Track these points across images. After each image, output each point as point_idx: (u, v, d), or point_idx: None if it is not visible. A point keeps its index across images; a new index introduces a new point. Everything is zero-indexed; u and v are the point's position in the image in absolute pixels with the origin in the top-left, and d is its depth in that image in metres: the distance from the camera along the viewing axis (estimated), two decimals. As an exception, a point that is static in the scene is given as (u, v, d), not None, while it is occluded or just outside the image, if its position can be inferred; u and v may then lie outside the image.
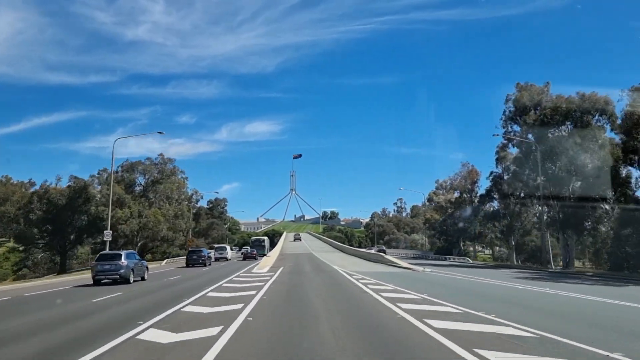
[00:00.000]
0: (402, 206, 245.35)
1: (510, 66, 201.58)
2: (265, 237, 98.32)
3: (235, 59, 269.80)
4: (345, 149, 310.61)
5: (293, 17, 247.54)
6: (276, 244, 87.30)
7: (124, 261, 21.96)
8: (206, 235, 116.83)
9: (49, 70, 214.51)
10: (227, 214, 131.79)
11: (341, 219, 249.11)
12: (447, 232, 76.40)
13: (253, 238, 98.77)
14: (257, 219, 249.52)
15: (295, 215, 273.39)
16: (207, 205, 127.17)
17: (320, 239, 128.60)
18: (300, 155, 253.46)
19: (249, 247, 75.27)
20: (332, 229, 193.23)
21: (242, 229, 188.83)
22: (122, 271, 21.68)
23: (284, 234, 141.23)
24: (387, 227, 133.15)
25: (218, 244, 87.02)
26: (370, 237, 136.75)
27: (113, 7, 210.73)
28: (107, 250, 29.86)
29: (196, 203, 77.08)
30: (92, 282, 22.20)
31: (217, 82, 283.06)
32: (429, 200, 76.87)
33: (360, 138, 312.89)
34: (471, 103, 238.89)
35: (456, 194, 75.02)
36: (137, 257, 25.45)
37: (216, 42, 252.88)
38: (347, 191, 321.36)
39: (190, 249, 49.51)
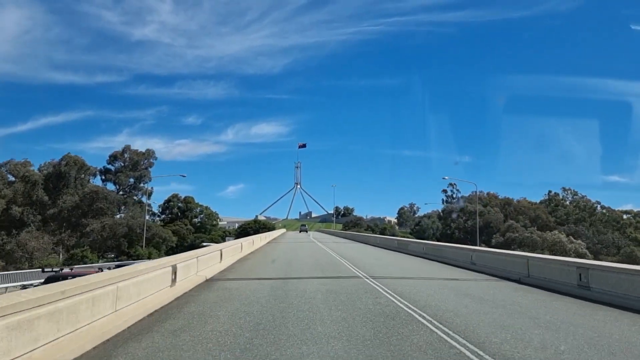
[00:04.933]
0: (453, 195, 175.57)
1: (514, 69, 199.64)
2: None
3: (242, 59, 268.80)
4: (352, 150, 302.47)
5: (300, 18, 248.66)
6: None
7: None
8: (76, 226, 47.48)
9: (56, 69, 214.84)
10: (147, 187, 62.00)
11: (357, 217, 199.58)
12: None
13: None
14: (256, 216, 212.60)
15: (300, 213, 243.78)
16: (108, 162, 59.01)
17: (357, 239, 58.38)
18: (304, 145, 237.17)
19: None
20: (358, 225, 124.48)
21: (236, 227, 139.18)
22: None
23: (281, 231, 72.46)
24: (491, 216, 63.25)
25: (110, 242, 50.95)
26: (468, 236, 67.23)
27: (120, 6, 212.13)
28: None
29: None
30: None
31: (223, 83, 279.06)
32: None
33: (367, 139, 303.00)
34: (476, 105, 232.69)
35: None
36: None
37: (223, 43, 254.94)
38: (356, 192, 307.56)
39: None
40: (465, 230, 60.21)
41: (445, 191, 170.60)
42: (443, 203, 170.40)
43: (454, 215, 69.82)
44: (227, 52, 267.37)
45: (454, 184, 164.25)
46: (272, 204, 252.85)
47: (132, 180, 58.28)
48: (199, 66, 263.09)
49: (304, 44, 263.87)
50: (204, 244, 50.95)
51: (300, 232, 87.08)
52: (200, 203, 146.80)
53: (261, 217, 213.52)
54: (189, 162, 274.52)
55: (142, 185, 57.64)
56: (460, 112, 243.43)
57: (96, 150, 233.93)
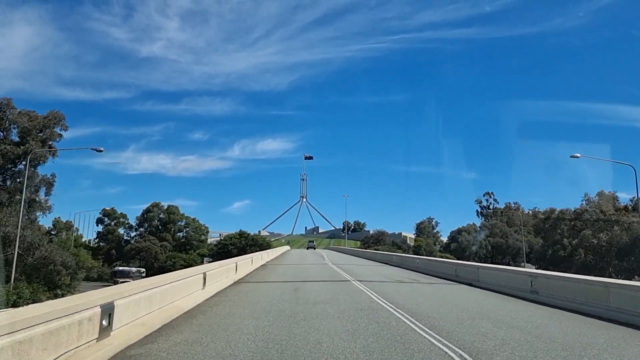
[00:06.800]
0: (489, 204, 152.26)
1: (521, 86, 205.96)
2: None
3: (248, 76, 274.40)
4: (359, 166, 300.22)
5: (307, 35, 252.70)
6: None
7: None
8: None
9: (64, 85, 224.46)
10: (39, 172, 35.86)
11: (370, 232, 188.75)
12: None
13: None
14: (259, 232, 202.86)
15: (306, 228, 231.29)
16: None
17: (419, 269, 32.26)
18: (311, 157, 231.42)
19: None
20: (380, 242, 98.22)
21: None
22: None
23: (283, 249, 46.61)
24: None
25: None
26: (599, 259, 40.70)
27: (128, 23, 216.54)
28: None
29: None
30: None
31: (230, 99, 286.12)
32: None
33: (375, 155, 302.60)
34: (482, 121, 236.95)
35: None
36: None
37: (230, 60, 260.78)
38: (364, 208, 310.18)
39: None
40: (595, 250, 34.24)
41: (479, 201, 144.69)
42: (478, 215, 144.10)
43: (564, 227, 42.70)
44: (234, 68, 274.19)
45: (492, 192, 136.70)
46: (276, 219, 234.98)
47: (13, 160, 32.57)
48: (205, 82, 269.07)
49: (310, 61, 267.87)
50: (119, 268, 25.71)
51: (307, 248, 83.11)
52: (186, 214, 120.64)
53: (264, 233, 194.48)
54: (195, 178, 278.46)
55: (34, 170, 31.88)
56: (469, 129, 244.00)
57: (102, 165, 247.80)
